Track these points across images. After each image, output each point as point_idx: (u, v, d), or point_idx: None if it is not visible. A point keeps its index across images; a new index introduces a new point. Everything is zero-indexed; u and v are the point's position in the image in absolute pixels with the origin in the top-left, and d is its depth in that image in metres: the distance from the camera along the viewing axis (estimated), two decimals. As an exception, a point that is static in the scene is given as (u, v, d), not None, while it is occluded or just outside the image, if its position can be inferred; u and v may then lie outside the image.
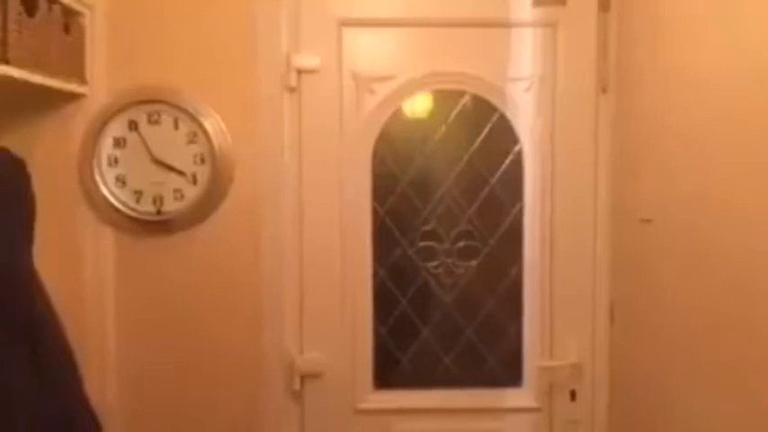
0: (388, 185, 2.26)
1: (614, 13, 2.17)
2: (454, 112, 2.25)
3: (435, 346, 2.30)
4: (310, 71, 2.16)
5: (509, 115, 2.23)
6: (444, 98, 2.25)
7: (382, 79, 2.20)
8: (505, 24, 2.19)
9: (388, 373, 2.29)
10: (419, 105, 2.26)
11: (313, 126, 2.18)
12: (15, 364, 1.34)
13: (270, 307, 2.17)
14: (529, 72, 2.21)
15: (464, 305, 2.29)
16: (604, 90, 2.18)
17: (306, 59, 2.16)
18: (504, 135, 2.24)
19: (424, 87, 2.23)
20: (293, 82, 2.14)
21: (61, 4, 1.88)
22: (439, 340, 2.30)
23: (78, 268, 2.10)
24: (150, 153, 2.13)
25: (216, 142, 2.12)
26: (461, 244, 2.27)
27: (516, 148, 2.24)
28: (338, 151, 2.20)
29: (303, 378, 2.20)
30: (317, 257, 2.20)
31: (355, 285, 2.23)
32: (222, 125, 2.14)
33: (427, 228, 2.27)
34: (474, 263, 2.27)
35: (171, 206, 2.14)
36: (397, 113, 2.23)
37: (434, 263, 2.28)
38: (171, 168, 2.13)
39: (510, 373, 2.29)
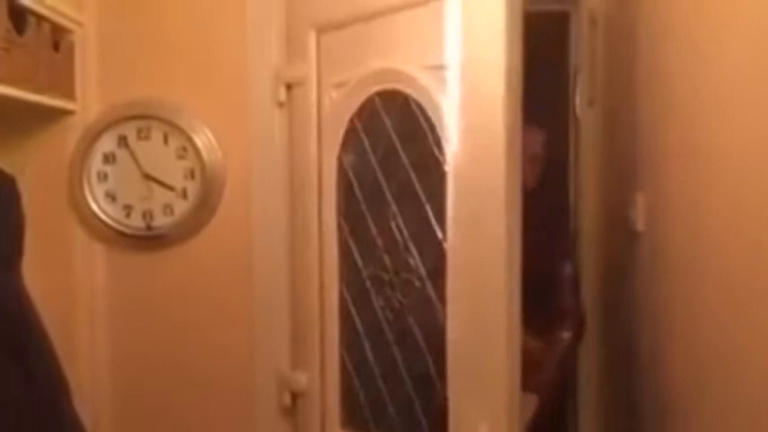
0: (350, 202, 1.99)
1: (602, 26, 2.17)
2: (394, 118, 1.85)
3: (384, 390, 1.93)
4: (297, 84, 2.09)
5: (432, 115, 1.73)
6: (386, 102, 1.86)
7: (338, 85, 1.98)
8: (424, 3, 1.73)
9: (353, 411, 2.01)
10: (367, 111, 1.92)
11: (300, 139, 2.11)
12: (6, 381, 1.34)
13: (261, 322, 2.16)
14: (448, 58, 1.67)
15: (403, 348, 1.87)
16: (591, 103, 2.18)
17: (292, 72, 2.10)
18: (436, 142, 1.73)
19: (368, 90, 1.89)
20: (282, 96, 2.13)
21: (50, 22, 1.88)
22: (387, 384, 1.92)
23: (69, 284, 2.09)
24: (140, 168, 2.13)
25: (206, 157, 2.12)
26: (402, 275, 1.85)
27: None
28: (316, 166, 2.05)
29: (295, 395, 2.16)
30: (304, 274, 2.12)
31: (329, 307, 2.04)
32: (213, 140, 2.14)
33: (377, 253, 1.92)
34: (408, 300, 1.84)
35: (161, 221, 2.14)
36: (354, 121, 1.96)
37: (381, 294, 1.92)
38: (160, 183, 2.13)
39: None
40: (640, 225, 1.94)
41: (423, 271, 1.79)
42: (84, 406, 1.63)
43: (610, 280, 2.15)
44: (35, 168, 2.04)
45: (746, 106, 1.42)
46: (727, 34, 1.50)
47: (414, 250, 1.83)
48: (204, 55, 2.13)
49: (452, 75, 1.65)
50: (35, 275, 1.54)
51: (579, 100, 2.29)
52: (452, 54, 1.65)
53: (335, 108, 2.00)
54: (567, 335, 2.17)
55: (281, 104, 2.14)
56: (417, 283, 1.81)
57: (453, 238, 1.67)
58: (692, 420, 1.67)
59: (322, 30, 2.02)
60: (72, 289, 2.10)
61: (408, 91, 1.78)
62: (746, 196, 1.41)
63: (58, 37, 1.94)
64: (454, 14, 1.63)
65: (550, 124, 2.40)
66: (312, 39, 2.04)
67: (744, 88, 1.43)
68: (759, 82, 1.37)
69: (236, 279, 2.16)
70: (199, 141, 2.12)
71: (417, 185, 1.80)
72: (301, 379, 2.12)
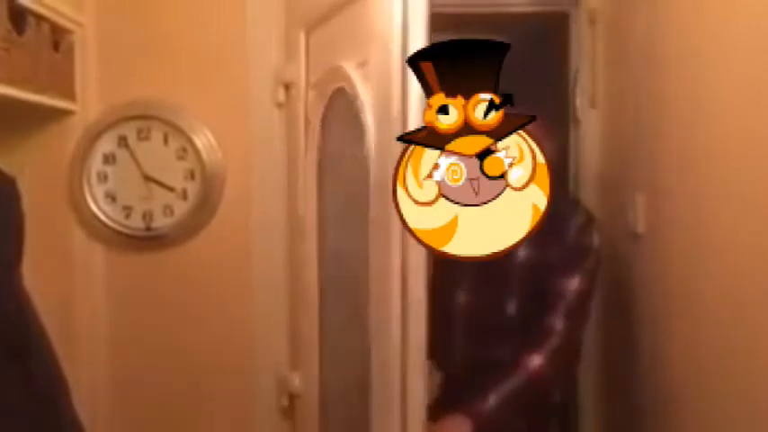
0: (325, 204, 1.93)
1: (602, 26, 2.16)
2: (344, 118, 1.76)
3: (342, 398, 1.89)
4: (293, 84, 2.08)
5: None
6: (340, 101, 1.79)
7: (315, 85, 1.95)
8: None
9: (327, 416, 1.94)
10: (330, 111, 1.87)
11: (295, 140, 2.09)
12: (6, 381, 1.34)
13: (260, 323, 2.17)
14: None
15: (353, 355, 1.77)
16: (592, 103, 2.18)
17: (289, 72, 2.09)
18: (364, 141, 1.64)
19: (329, 89, 1.82)
20: (281, 97, 2.13)
21: (50, 22, 1.88)
22: (345, 392, 1.86)
23: (69, 284, 2.09)
24: (140, 169, 2.13)
25: (206, 158, 2.12)
26: (356, 277, 1.74)
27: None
28: (304, 166, 2.01)
29: (293, 397, 2.16)
30: (298, 274, 2.09)
31: (311, 309, 1.98)
32: (212, 140, 2.14)
33: (340, 255, 1.88)
34: (359, 305, 1.71)
35: (161, 222, 2.14)
36: (324, 121, 1.89)
37: (342, 299, 1.88)
38: (160, 184, 2.13)
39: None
40: (640, 227, 1.94)
41: (360, 273, 1.67)
42: (83, 406, 1.62)
43: (610, 281, 2.14)
44: (35, 168, 2.04)
45: (746, 106, 1.41)
46: (727, 34, 1.50)
47: (357, 252, 1.71)
48: (204, 55, 2.13)
49: (369, 71, 1.56)
50: (35, 276, 1.54)
51: (579, 101, 2.29)
52: (370, 50, 1.56)
53: (313, 108, 1.95)
54: (536, 361, 1.75)
55: (279, 105, 2.14)
56: (356, 286, 1.70)
57: (370, 240, 1.58)
58: (691, 420, 1.67)
59: (309, 29, 1.99)
60: (72, 289, 2.10)
61: (349, 89, 1.69)
62: (746, 196, 1.41)
63: (57, 37, 1.94)
64: (376, 9, 1.54)
65: (550, 125, 2.36)
66: (302, 39, 2.01)
67: (744, 88, 1.43)
68: (759, 82, 1.37)
69: (235, 280, 2.16)
70: (199, 142, 2.12)
71: (358, 186, 1.67)
72: (297, 381, 2.12)
